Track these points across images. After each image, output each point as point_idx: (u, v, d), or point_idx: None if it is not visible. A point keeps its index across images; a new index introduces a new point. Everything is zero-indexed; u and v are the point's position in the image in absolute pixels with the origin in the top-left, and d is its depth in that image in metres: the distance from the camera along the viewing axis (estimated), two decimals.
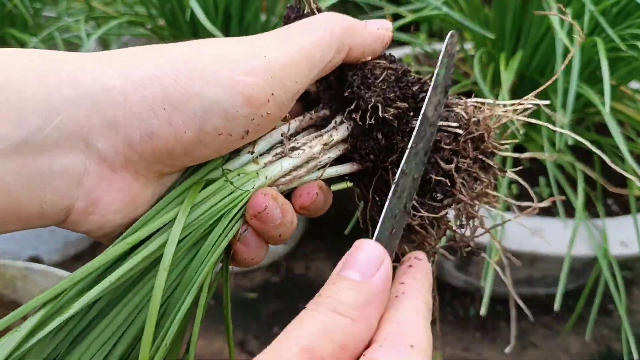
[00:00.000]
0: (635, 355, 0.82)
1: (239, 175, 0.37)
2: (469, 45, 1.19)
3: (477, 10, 1.05)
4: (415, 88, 0.40)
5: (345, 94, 0.40)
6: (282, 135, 0.39)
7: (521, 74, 0.99)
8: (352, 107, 0.40)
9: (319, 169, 0.41)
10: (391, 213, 0.37)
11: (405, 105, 0.40)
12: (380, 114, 0.39)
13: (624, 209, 0.96)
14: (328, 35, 0.37)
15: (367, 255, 0.33)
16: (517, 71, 0.90)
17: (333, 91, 0.43)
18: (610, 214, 0.95)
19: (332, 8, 1.68)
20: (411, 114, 0.40)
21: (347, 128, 0.41)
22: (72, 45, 1.22)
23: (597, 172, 0.99)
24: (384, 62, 0.41)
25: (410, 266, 0.36)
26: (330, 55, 0.38)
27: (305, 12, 0.42)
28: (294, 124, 0.41)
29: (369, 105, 0.39)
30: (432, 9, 0.94)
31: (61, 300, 0.31)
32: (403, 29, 1.09)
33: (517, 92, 1.01)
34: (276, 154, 0.39)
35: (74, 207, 0.32)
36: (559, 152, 0.95)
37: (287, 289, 1.18)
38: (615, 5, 0.87)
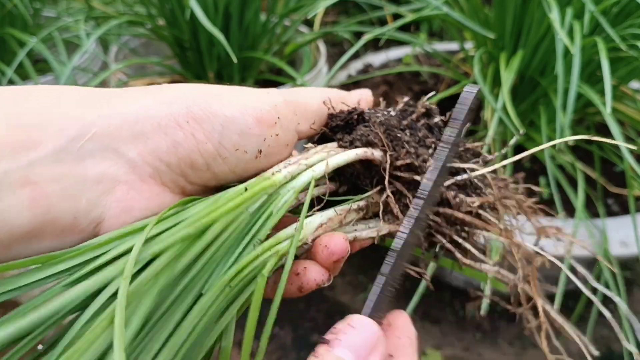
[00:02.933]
0: (635, 356, 0.82)
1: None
2: (469, 45, 1.19)
3: (477, 10, 1.05)
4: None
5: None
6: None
7: (521, 73, 0.99)
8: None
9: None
10: (386, 283, 0.37)
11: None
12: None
13: (624, 209, 0.96)
14: (323, 95, 0.45)
15: (362, 336, 0.33)
16: (518, 71, 0.89)
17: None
18: (610, 214, 0.95)
19: (333, 8, 1.68)
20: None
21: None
22: (72, 45, 1.22)
23: (597, 172, 0.99)
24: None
25: (389, 325, 0.37)
26: (324, 109, 0.45)
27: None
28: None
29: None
30: (432, 9, 0.94)
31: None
32: (403, 28, 1.09)
33: (517, 92, 1.01)
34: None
35: (105, 217, 0.34)
36: (559, 152, 0.95)
37: None
38: (615, 5, 0.87)
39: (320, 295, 1.17)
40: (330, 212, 0.41)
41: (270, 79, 1.17)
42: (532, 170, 1.03)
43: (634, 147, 0.49)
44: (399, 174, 0.43)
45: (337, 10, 1.73)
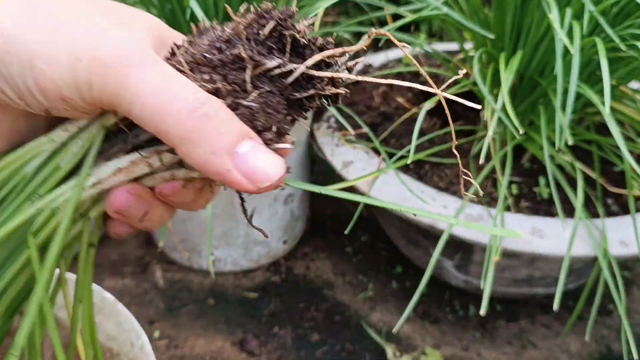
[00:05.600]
0: (635, 355, 0.82)
1: None
2: (468, 46, 1.19)
3: (477, 10, 1.05)
4: None
5: None
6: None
7: (521, 74, 0.99)
8: None
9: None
10: None
11: None
12: None
13: (624, 209, 0.96)
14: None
15: None
16: (517, 71, 0.90)
17: None
18: (610, 213, 0.95)
19: (333, 8, 1.68)
20: None
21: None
22: None
23: (596, 172, 0.99)
24: None
25: None
26: None
27: None
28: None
29: None
30: (432, 9, 0.94)
31: None
32: (403, 29, 1.09)
33: (516, 92, 1.01)
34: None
35: None
36: (558, 152, 0.96)
37: (287, 289, 1.19)
38: (614, 6, 0.87)
39: (320, 295, 1.17)
40: (134, 156, 0.36)
41: None
42: (531, 170, 1.03)
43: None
44: None
45: (337, 10, 1.73)
